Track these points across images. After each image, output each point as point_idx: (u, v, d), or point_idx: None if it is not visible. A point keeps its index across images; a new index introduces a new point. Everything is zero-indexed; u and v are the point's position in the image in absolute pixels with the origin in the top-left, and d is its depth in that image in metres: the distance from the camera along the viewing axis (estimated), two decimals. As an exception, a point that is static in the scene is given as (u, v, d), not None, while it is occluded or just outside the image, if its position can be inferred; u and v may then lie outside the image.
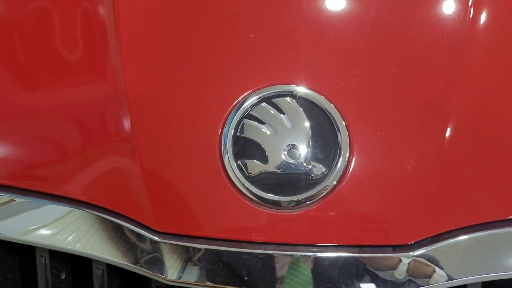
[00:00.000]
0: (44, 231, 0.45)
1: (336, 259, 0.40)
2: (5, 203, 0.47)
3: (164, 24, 0.46)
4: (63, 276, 0.48)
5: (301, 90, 0.41)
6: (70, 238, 0.45)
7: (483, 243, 0.41)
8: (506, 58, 0.46)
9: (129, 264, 0.43)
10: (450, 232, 0.41)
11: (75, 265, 0.48)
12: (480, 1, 0.46)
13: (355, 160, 0.41)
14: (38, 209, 0.46)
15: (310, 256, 0.41)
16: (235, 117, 0.41)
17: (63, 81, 0.49)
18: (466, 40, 0.44)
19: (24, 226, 0.46)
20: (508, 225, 0.41)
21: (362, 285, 0.41)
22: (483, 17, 0.45)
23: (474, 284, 0.41)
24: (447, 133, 0.41)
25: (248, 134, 0.41)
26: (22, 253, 0.50)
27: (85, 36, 0.50)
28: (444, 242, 0.40)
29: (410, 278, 0.40)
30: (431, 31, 0.44)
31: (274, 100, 0.41)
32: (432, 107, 0.42)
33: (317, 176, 0.40)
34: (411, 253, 0.40)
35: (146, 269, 0.42)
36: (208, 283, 0.42)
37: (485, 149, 0.42)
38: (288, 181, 0.40)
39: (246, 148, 0.41)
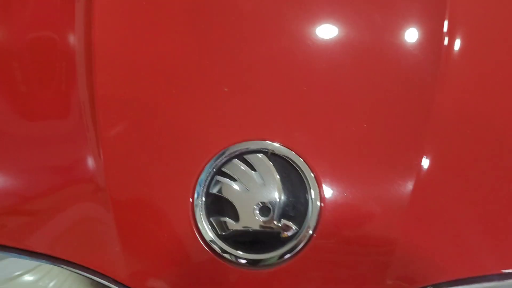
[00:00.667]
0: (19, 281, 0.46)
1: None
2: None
3: (136, 77, 0.46)
4: None
5: (272, 146, 0.41)
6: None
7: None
8: (482, 94, 0.46)
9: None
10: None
11: None
12: (454, 32, 0.46)
13: (325, 216, 0.41)
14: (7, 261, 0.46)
15: None
16: (207, 174, 0.41)
17: (28, 122, 0.48)
18: (439, 85, 0.44)
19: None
20: (483, 281, 0.42)
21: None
22: (457, 49, 0.45)
23: None
24: (416, 188, 0.42)
25: (219, 191, 0.41)
26: None
27: (50, 69, 0.49)
28: None
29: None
30: (402, 80, 0.44)
31: (245, 156, 0.41)
32: (401, 160, 0.42)
33: (288, 233, 0.41)
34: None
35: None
36: None
37: (458, 202, 0.43)
38: (260, 239, 0.41)
39: (218, 205, 0.41)
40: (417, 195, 0.42)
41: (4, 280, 0.47)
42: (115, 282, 0.42)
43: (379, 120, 0.43)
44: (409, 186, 0.42)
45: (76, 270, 0.43)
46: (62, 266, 0.43)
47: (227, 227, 0.41)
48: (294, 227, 0.40)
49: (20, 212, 0.45)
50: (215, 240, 0.41)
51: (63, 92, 0.47)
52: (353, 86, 0.44)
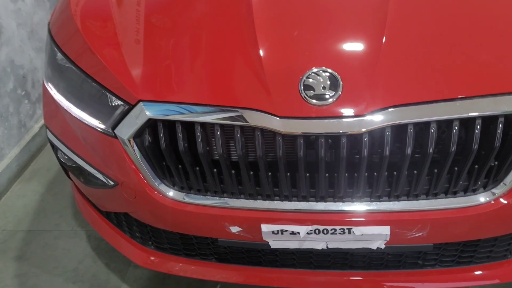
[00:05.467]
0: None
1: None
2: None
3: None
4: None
5: (324, 67, 1.23)
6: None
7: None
8: None
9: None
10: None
11: None
12: None
13: (345, 86, 1.20)
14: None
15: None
16: (306, 73, 1.22)
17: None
18: None
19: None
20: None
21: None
22: None
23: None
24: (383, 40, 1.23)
25: (308, 82, 1.22)
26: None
27: None
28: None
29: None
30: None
31: (318, 71, 1.23)
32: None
33: (331, 93, 1.20)
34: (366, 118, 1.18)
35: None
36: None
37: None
38: (322, 96, 1.20)
39: (308, 86, 1.22)
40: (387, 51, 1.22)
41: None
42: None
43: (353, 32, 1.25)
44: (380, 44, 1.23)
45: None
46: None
47: (311, 93, 1.21)
48: (333, 92, 1.20)
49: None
50: (304, 94, 1.20)
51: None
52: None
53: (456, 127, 1.18)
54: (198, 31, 1.41)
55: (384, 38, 1.25)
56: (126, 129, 1.32)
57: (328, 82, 1.21)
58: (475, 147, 1.18)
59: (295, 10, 1.39)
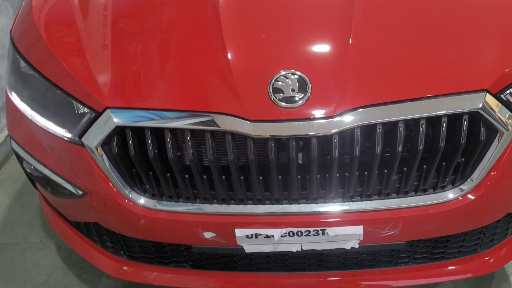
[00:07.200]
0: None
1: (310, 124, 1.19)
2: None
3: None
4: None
5: (292, 70, 1.23)
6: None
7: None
8: None
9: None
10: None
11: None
12: None
13: (313, 85, 1.21)
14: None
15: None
16: (274, 76, 1.21)
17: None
18: None
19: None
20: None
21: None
22: None
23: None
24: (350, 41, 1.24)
25: (277, 85, 1.22)
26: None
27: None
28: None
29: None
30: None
31: (286, 74, 1.23)
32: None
33: (300, 95, 1.20)
34: (336, 119, 1.18)
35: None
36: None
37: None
38: (291, 99, 1.20)
39: (277, 88, 1.21)
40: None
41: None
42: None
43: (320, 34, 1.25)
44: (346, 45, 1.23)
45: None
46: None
47: (279, 96, 1.20)
48: (303, 94, 1.20)
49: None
50: (273, 97, 1.20)
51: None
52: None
53: (423, 126, 1.20)
54: (165, 36, 1.39)
55: (350, 39, 1.26)
56: (94, 137, 1.29)
57: (297, 85, 1.21)
58: (442, 145, 1.20)
59: (262, 14, 1.39)
